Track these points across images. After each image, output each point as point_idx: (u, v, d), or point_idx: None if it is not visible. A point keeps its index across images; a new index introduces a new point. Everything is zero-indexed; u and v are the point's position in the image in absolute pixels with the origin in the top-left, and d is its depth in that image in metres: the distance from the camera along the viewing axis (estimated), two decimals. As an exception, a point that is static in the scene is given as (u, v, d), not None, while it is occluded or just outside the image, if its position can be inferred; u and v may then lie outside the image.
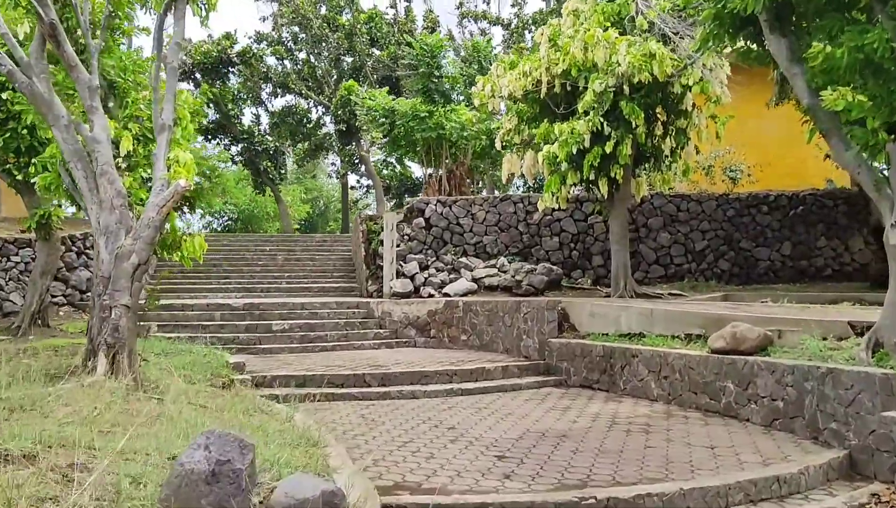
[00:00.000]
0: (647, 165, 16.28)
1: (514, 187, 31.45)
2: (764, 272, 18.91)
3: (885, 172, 8.57)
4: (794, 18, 9.09)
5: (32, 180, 13.13)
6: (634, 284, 15.72)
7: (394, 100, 23.86)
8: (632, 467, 6.98)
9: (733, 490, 6.34)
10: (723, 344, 9.58)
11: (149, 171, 11.47)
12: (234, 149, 38.36)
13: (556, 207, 15.67)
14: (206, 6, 10.39)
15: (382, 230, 18.35)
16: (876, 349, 8.14)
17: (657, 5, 14.32)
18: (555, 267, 17.64)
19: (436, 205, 19.34)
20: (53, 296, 16.99)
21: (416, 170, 34.58)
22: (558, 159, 14.28)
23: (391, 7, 38.54)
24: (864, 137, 8.20)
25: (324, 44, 36.87)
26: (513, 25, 36.05)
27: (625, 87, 13.73)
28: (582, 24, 14.40)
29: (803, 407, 8.19)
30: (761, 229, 19.12)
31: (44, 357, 10.22)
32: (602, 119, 13.84)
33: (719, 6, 9.12)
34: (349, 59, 37.59)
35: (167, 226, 10.04)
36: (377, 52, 36.93)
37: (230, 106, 37.71)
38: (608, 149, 13.92)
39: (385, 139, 24.59)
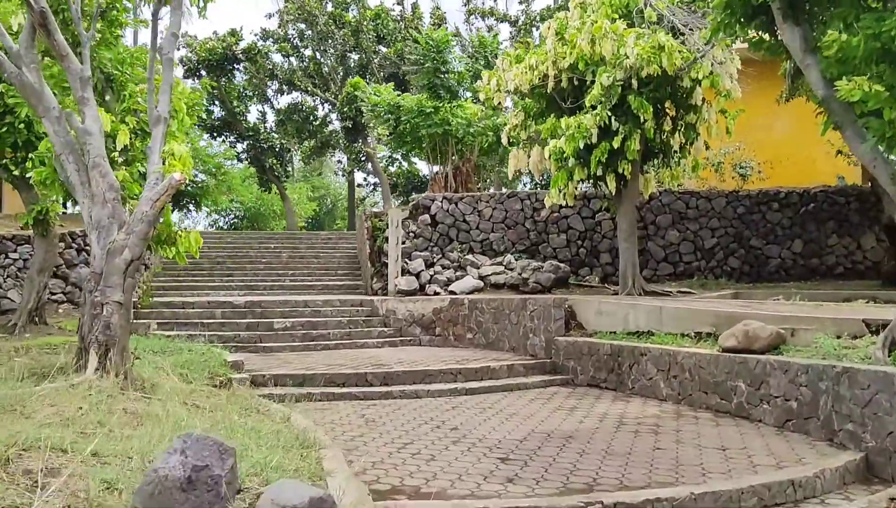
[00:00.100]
0: (655, 161, 15.99)
1: (521, 184, 31.18)
2: (774, 270, 18.59)
3: (903, 165, 8.27)
4: (807, 7, 8.78)
5: (29, 176, 12.89)
6: (643, 281, 15.43)
7: (399, 95, 23.59)
8: (640, 470, 6.70)
9: (746, 495, 6.05)
10: (734, 343, 9.28)
11: (146, 165, 11.22)
12: (239, 146, 38.18)
13: (564, 203, 15.40)
14: (203, -4, 10.15)
15: (387, 227, 18.08)
16: (892, 348, 7.84)
17: (666, -3, 14.04)
18: (562, 265, 17.36)
19: (442, 202, 19.08)
20: (53, 293, 16.77)
21: (423, 167, 34.35)
22: (565, 155, 14.01)
23: (398, 4, 38.30)
24: (880, 128, 7.87)
25: (330, 41, 36.61)
26: (520, 22, 35.74)
27: (633, 80, 13.44)
28: (589, 16, 14.09)
29: (818, 408, 7.89)
30: (772, 227, 18.81)
31: (36, 355, 10.01)
32: (610, 113, 13.55)
33: (731, -6, 8.84)
34: (355, 57, 37.36)
35: (162, 221, 9.79)
36: (384, 50, 36.70)
37: (236, 103, 37.54)
38: (616, 144, 13.63)
39: (391, 136, 24.30)
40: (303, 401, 9.88)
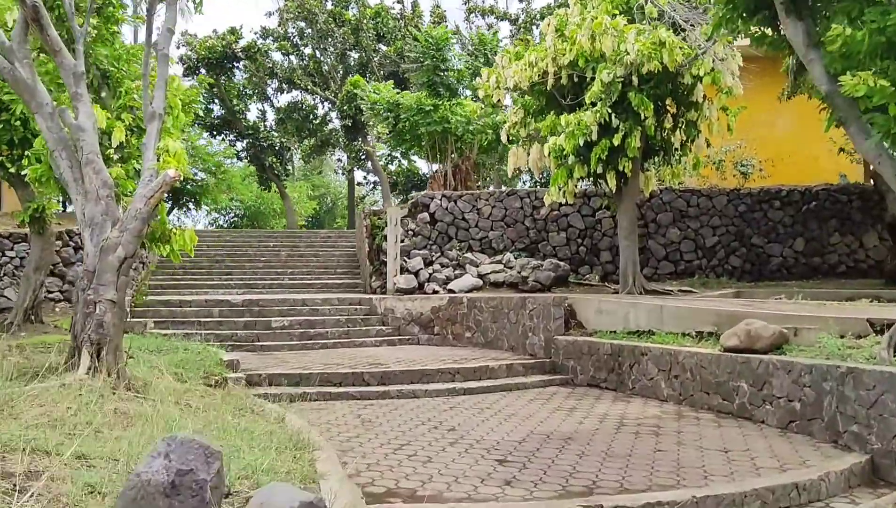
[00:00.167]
0: (656, 159, 15.87)
1: (521, 182, 31.05)
2: (776, 269, 18.45)
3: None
4: (810, 1, 8.67)
5: (24, 173, 12.77)
6: (643, 280, 15.30)
7: (398, 93, 23.46)
8: (641, 472, 6.57)
9: (749, 498, 5.91)
10: (736, 342, 9.15)
11: (141, 162, 11.10)
12: (239, 145, 38.07)
13: (564, 201, 15.26)
14: (199, -9, 10.03)
15: (386, 226, 17.95)
16: (898, 347, 7.71)
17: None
18: (562, 263, 17.22)
19: (441, 200, 18.95)
20: (50, 292, 16.67)
21: (423, 166, 34.27)
22: (565, 152, 13.87)
23: (398, 2, 38.22)
24: (885, 124, 7.73)
25: (330, 39, 36.52)
26: (520, 20, 35.62)
27: (633, 77, 13.31)
28: (589, 12, 13.95)
29: (822, 409, 7.76)
30: (773, 225, 18.67)
31: (29, 354, 9.88)
32: (610, 111, 13.42)
33: (733, -12, 8.72)
34: (355, 55, 37.26)
35: (156, 218, 9.65)
36: (384, 48, 36.58)
37: (235, 102, 37.43)
38: (616, 141, 13.50)
39: (390, 134, 24.17)
40: (299, 401, 9.75)
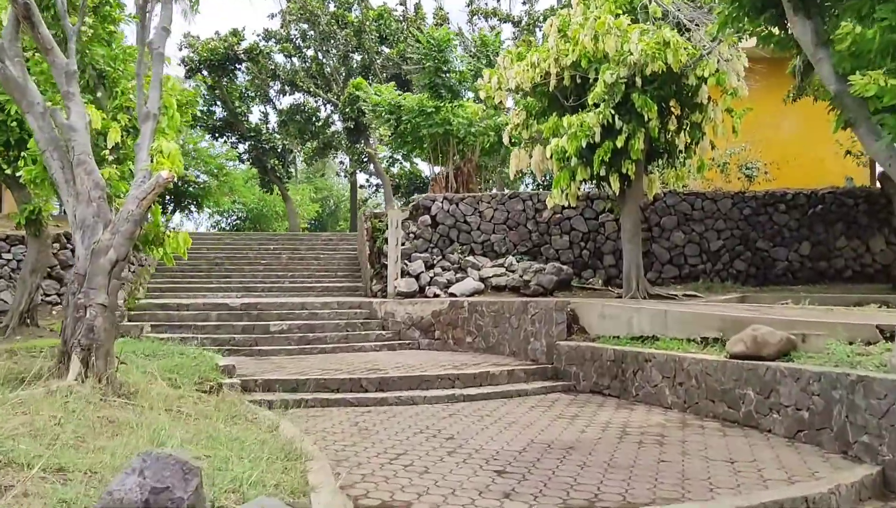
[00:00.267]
0: (660, 162, 15.65)
1: (524, 185, 30.85)
2: (781, 273, 18.22)
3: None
4: (819, -2, 8.47)
5: (19, 174, 12.59)
6: (647, 284, 15.07)
7: (400, 95, 23.27)
8: (644, 484, 6.35)
9: (757, 513, 5.70)
10: (742, 349, 8.92)
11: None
12: (241, 147, 37.93)
13: (566, 204, 15.04)
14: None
15: (387, 228, 17.74)
16: (909, 355, 7.48)
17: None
18: (564, 267, 17.00)
19: (442, 202, 18.75)
20: (47, 295, 16.51)
21: (425, 168, 34.06)
22: (567, 154, 13.66)
23: (401, 4, 38.02)
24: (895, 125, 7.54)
25: (332, 41, 36.36)
26: (523, 23, 35.44)
27: (637, 78, 13.10)
28: (592, 12, 13.75)
29: (831, 418, 7.53)
30: (779, 229, 18.43)
31: (20, 359, 9.70)
32: (613, 112, 13.21)
33: (739, -14, 8.51)
34: (358, 57, 37.08)
35: (150, 220, 9.48)
36: (386, 50, 36.40)
37: (237, 104, 37.28)
38: (619, 143, 13.29)
39: (392, 136, 23.99)
40: (295, 408, 9.55)
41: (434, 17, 37.04)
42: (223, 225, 44.73)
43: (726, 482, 6.38)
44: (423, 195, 19.57)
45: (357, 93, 27.25)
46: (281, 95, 38.98)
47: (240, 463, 5.53)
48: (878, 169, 18.47)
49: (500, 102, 16.05)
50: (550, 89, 14.41)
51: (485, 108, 21.53)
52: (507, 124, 16.98)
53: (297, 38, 37.47)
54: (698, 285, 17.39)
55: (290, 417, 8.69)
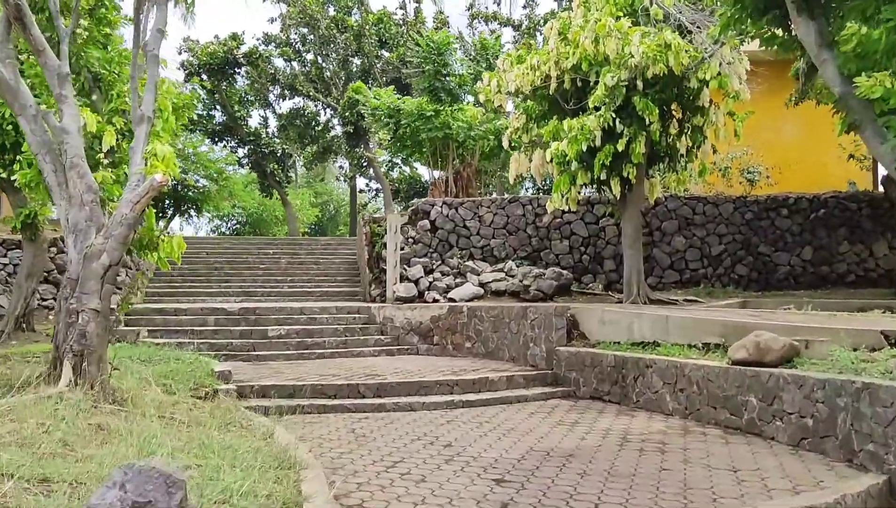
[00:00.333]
0: (661, 165, 15.54)
1: (524, 189, 30.73)
2: (783, 278, 18.08)
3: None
4: None
5: (14, 178, 12.47)
6: (648, 289, 14.94)
7: (399, 99, 23.16)
8: (645, 493, 6.21)
9: (761, 523, 5.57)
10: (745, 355, 8.79)
11: (132, 167, 10.79)
12: (240, 151, 37.83)
13: (567, 209, 14.94)
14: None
15: (386, 233, 17.61)
16: (915, 362, 7.35)
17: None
18: (564, 272, 16.87)
19: (441, 207, 18.62)
20: (43, 299, 16.38)
21: (425, 173, 33.96)
22: (568, 158, 13.54)
23: (400, 8, 37.92)
24: (902, 127, 7.42)
25: (332, 45, 36.29)
26: (523, 27, 35.34)
27: (638, 81, 12.99)
28: (593, 14, 13.63)
29: (835, 426, 7.39)
30: (781, 233, 18.30)
31: (14, 364, 9.57)
32: (614, 115, 13.10)
33: (742, -13, 8.39)
34: (357, 61, 37.00)
35: (144, 224, 9.34)
36: (386, 54, 36.30)
37: (237, 108, 37.18)
38: (620, 147, 13.18)
39: (391, 140, 23.86)
40: (291, 414, 9.42)
41: (434, 21, 36.95)
42: (223, 230, 44.69)
43: (729, 491, 6.25)
44: (423, 200, 19.45)
45: (356, 97, 27.17)
46: (280, 100, 38.89)
47: (231, 473, 5.40)
48: (882, 173, 18.36)
49: (500, 105, 15.94)
50: (550, 92, 14.31)
51: (484, 111, 21.41)
52: (506, 128, 16.87)
53: (296, 43, 37.39)
54: (699, 291, 17.26)
55: (285, 423, 8.56)
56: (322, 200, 53.89)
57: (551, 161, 13.99)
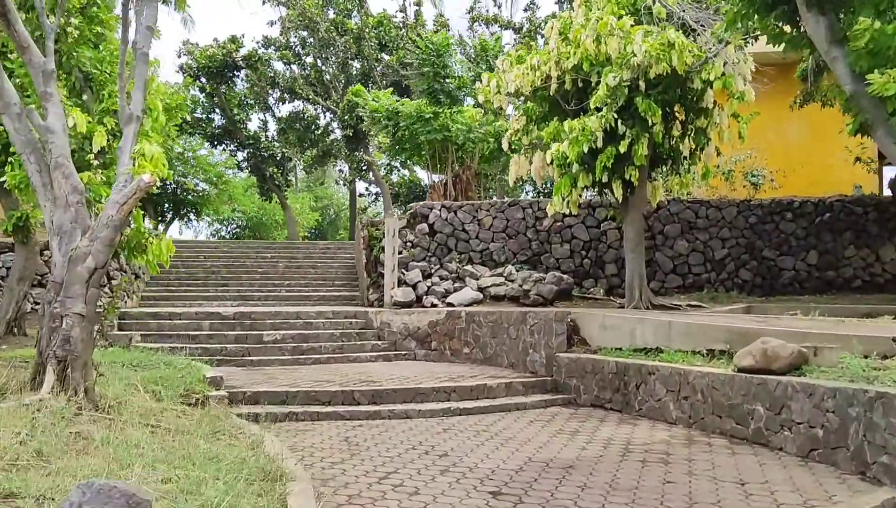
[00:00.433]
0: (663, 168, 15.24)
1: (524, 193, 30.48)
2: (788, 283, 17.79)
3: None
4: (833, -5, 8.09)
5: (3, 180, 12.22)
6: (650, 294, 14.66)
7: (398, 101, 22.90)
8: None
9: (771, 540, 5.29)
10: (751, 362, 8.50)
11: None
12: (240, 155, 37.60)
13: (567, 212, 14.65)
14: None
15: (384, 237, 17.34)
16: (929, 370, 7.07)
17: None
18: (565, 276, 16.60)
19: (440, 210, 18.36)
20: (36, 303, 16.08)
21: (425, 177, 33.71)
22: (568, 160, 13.26)
23: (400, 11, 37.71)
24: (915, 127, 7.15)
25: (331, 48, 36.05)
26: (524, 29, 35.10)
27: (640, 81, 12.74)
28: (594, 13, 13.37)
29: (847, 436, 7.10)
30: (785, 238, 18.01)
31: (0, 370, 9.30)
32: (616, 116, 12.83)
33: (749, -19, 8.13)
34: (357, 64, 36.79)
35: (132, 226, 9.08)
36: (386, 57, 36.07)
37: (236, 111, 36.96)
38: (622, 149, 12.91)
39: (390, 142, 23.61)
40: (283, 421, 9.16)
41: (434, 24, 36.72)
42: (223, 234, 44.45)
43: (737, 506, 5.97)
44: (421, 203, 19.18)
45: (356, 100, 26.91)
46: (280, 103, 38.63)
47: (213, 486, 5.13)
48: (888, 176, 18.09)
49: (500, 107, 15.68)
50: (551, 93, 14.05)
51: (484, 113, 21.15)
52: (506, 130, 16.60)
53: (296, 46, 37.15)
54: (702, 295, 16.98)
55: (276, 432, 8.28)
56: (322, 204, 53.68)
57: (552, 163, 13.72)
